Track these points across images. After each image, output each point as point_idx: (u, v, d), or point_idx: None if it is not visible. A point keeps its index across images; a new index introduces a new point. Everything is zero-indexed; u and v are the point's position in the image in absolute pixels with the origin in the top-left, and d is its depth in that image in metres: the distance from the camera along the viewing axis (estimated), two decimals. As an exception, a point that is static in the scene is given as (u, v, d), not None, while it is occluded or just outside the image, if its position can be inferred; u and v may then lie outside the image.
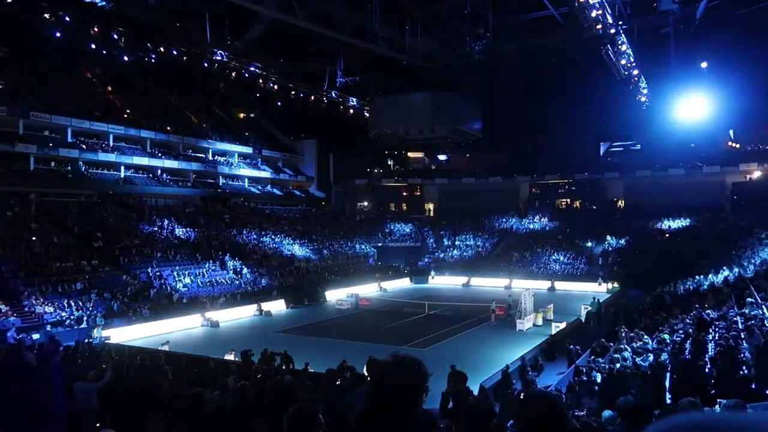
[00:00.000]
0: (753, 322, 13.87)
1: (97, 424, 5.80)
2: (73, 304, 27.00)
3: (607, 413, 7.49)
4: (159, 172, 46.38)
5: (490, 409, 2.44)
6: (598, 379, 13.23)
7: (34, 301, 26.13)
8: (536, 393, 2.38)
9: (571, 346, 19.97)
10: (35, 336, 22.69)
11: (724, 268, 30.09)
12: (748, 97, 43.84)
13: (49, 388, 7.06)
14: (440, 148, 61.59)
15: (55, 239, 32.45)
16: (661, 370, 11.82)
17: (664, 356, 13.12)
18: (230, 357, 18.90)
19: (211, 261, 37.31)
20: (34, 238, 31.44)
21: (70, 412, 6.09)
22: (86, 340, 22.44)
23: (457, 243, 55.41)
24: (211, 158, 52.28)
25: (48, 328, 24.07)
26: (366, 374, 10.32)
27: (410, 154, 70.08)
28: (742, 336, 12.67)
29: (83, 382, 8.59)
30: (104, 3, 33.49)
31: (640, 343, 16.21)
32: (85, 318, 26.12)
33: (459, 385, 6.08)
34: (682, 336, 15.37)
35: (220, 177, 52.19)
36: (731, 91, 42.80)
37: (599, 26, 30.02)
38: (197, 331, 28.09)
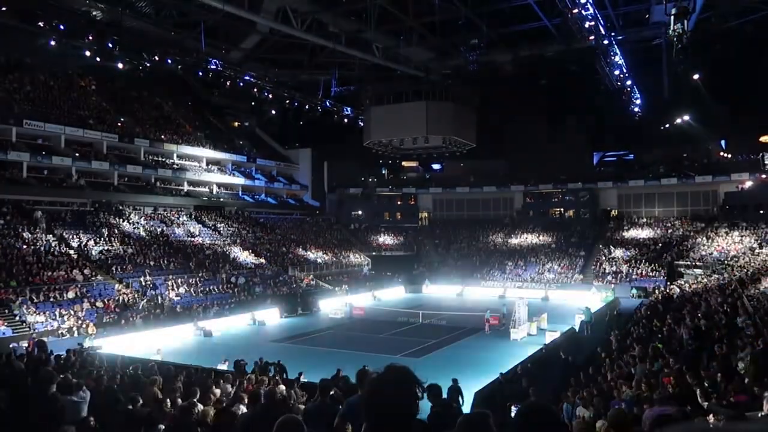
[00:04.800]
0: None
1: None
2: (64, 313, 26.79)
3: (600, 423, 7.48)
4: (153, 180, 46.24)
5: (486, 420, 2.43)
6: (593, 389, 13.20)
7: (25, 311, 25.90)
8: (533, 403, 2.37)
9: (566, 356, 19.94)
10: (25, 344, 22.45)
11: None
12: (739, 108, 44.32)
13: (39, 397, 6.99)
14: (435, 157, 61.81)
15: (47, 248, 32.22)
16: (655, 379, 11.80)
17: (657, 365, 13.12)
18: (223, 366, 18.77)
19: (204, 270, 37.16)
20: (25, 247, 31.24)
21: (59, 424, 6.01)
22: (77, 350, 22.19)
23: (451, 252, 55.51)
24: (205, 167, 52.20)
25: (38, 337, 23.82)
26: (357, 384, 10.25)
27: (404, 163, 70.24)
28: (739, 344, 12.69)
29: (71, 395, 8.49)
30: (99, 12, 33.51)
31: (634, 352, 16.20)
32: (76, 327, 25.89)
33: (437, 399, 6.19)
34: (677, 345, 15.39)
35: (214, 186, 52.09)
36: (723, 102, 43.29)
37: (592, 37, 30.28)
38: (190, 340, 27.88)
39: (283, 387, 13.21)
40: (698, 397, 7.85)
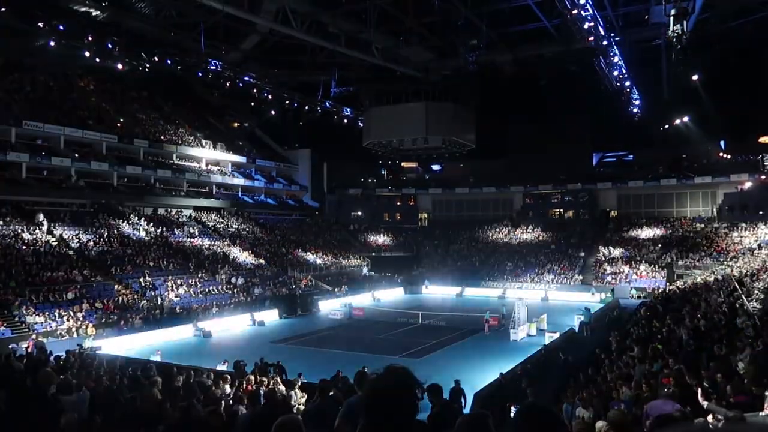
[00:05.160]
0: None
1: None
2: (64, 314, 26.77)
3: (599, 424, 7.47)
4: (152, 181, 46.23)
5: (485, 420, 2.43)
6: (592, 390, 13.19)
7: (24, 311, 25.87)
8: (533, 404, 2.37)
9: (565, 356, 19.97)
10: (24, 345, 22.44)
11: None
12: (738, 109, 44.35)
13: (38, 398, 6.98)
14: (434, 158, 61.93)
15: (46, 248, 32.20)
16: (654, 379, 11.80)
17: (657, 366, 13.12)
18: (223, 367, 18.74)
19: (203, 270, 37.15)
20: (24, 247, 31.22)
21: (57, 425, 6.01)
22: (77, 351, 22.17)
23: (450, 252, 55.51)
24: (204, 168, 52.19)
25: (37, 337, 23.80)
26: (355, 385, 10.23)
27: (404, 164, 70.25)
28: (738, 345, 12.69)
29: (71, 396, 8.49)
30: (99, 13, 33.48)
31: (633, 353, 16.20)
32: (75, 328, 25.87)
33: (437, 399, 6.19)
34: (676, 345, 15.39)
35: (214, 186, 52.06)
36: (722, 102, 43.32)
37: (591, 38, 30.27)
38: (189, 341, 27.85)
39: (282, 388, 13.22)
40: (698, 397, 7.85)
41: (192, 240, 41.99)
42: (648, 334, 19.97)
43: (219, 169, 53.75)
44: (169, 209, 45.88)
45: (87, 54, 37.38)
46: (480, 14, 32.42)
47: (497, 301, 38.92)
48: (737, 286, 24.44)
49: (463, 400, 14.14)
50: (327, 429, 4.67)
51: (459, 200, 63.60)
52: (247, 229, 49.14)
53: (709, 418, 6.40)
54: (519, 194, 60.70)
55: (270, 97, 46.54)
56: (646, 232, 51.07)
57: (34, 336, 23.56)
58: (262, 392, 10.58)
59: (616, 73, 35.25)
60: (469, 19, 32.36)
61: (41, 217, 34.80)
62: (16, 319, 25.47)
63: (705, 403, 7.40)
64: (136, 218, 41.55)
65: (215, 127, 59.40)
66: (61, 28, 34.63)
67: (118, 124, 47.26)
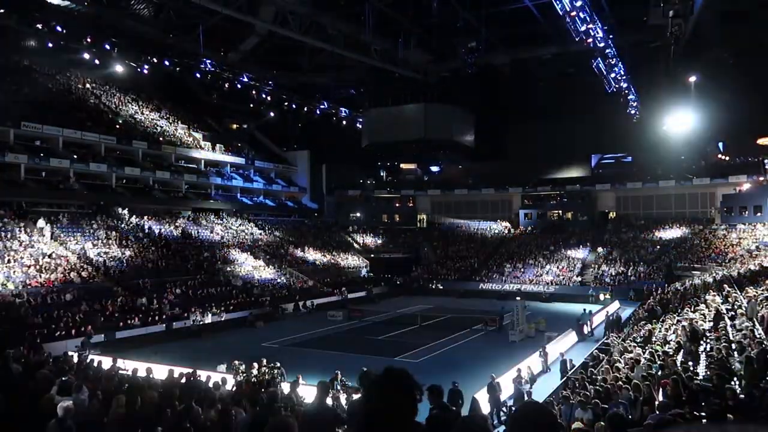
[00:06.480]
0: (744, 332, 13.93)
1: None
2: (62, 315, 26.70)
3: (598, 425, 7.49)
4: (151, 182, 46.18)
5: (484, 423, 2.44)
6: (591, 392, 13.20)
7: (23, 313, 25.80)
8: (530, 404, 2.37)
9: (564, 358, 19.99)
10: (22, 348, 22.37)
11: None
12: (735, 111, 44.38)
13: (35, 399, 6.98)
14: (433, 159, 61.91)
15: (45, 250, 32.16)
16: (653, 382, 11.82)
17: (656, 368, 13.14)
18: (221, 369, 18.74)
19: (202, 272, 37.13)
20: (22, 249, 31.15)
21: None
22: (75, 352, 22.15)
23: (449, 253, 55.52)
24: (203, 169, 52.15)
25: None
26: (358, 387, 10.24)
27: (403, 165, 70.26)
28: (733, 348, 12.72)
29: (69, 397, 8.48)
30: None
31: (632, 354, 16.22)
32: (74, 330, 25.80)
33: (436, 400, 6.22)
34: (675, 348, 15.42)
35: (212, 188, 52.02)
36: (719, 105, 43.36)
37: (590, 40, 30.34)
38: (188, 342, 27.82)
39: (281, 389, 13.22)
40: (697, 399, 7.87)
41: (191, 241, 41.97)
42: (646, 335, 20.01)
43: (217, 171, 53.70)
44: (168, 210, 45.81)
45: (86, 55, 37.40)
46: (478, 16, 32.49)
47: (496, 302, 38.91)
48: (736, 288, 24.47)
49: (461, 401, 14.14)
50: (326, 430, 4.68)
51: (458, 201, 63.63)
52: (246, 231, 49.12)
53: (707, 419, 6.42)
54: (517, 195, 60.74)
55: (269, 98, 46.61)
56: (645, 234, 51.13)
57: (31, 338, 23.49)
58: (261, 394, 10.59)
59: (614, 74, 35.33)
60: (467, 21, 32.43)
61: (42, 222, 34.72)
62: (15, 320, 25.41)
63: (702, 406, 7.43)
64: (135, 219, 41.52)
65: (214, 129, 59.36)
66: (60, 29, 34.62)
67: (117, 126, 47.18)
